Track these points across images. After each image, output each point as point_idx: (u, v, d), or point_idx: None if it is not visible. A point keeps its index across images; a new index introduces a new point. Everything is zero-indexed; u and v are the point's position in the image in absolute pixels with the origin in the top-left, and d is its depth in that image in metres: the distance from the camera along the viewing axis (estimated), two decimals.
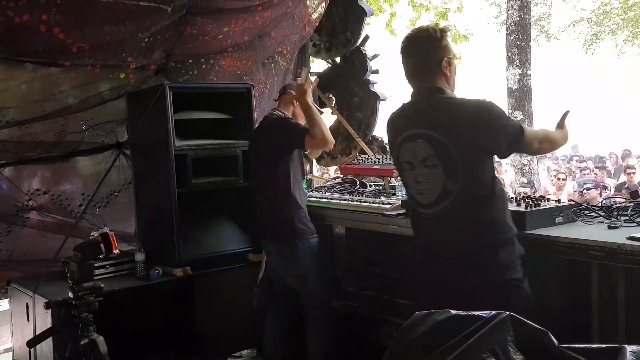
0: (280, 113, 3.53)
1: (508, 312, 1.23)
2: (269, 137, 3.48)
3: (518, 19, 9.46)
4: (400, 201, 3.33)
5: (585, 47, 20.64)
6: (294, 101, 3.52)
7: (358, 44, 5.71)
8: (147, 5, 3.42)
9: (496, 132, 2.39)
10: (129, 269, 3.71)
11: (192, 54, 4.07)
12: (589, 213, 2.96)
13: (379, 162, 4.04)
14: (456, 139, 2.36)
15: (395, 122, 2.62)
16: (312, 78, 3.79)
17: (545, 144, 2.65)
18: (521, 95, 9.53)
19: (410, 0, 12.21)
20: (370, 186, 4.13)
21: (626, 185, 8.98)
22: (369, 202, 3.59)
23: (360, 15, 5.53)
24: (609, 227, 2.67)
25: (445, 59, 2.47)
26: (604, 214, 2.90)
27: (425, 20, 13.07)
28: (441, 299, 1.66)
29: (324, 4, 4.79)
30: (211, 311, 3.77)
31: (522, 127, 2.47)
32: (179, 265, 3.68)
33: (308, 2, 4.60)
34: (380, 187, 4.13)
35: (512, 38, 9.57)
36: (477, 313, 1.25)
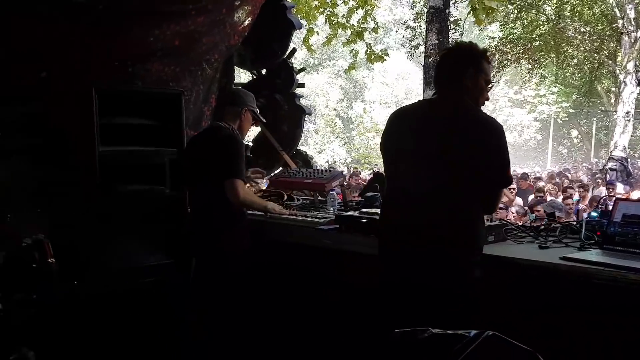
0: (226, 125, 3.37)
1: (492, 332, 1.20)
2: (208, 150, 3.30)
3: (436, 42, 9.78)
4: (334, 216, 3.28)
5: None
6: (242, 115, 3.42)
7: (285, 57, 5.68)
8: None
9: None
10: None
11: (119, 57, 3.87)
12: (518, 232, 3.04)
13: (310, 175, 4.00)
14: None
15: None
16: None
17: None
18: None
19: (328, 18, 12.29)
20: (298, 200, 4.08)
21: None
22: (302, 216, 3.48)
23: (288, 28, 5.48)
24: (540, 247, 2.73)
25: None
26: (532, 234, 2.98)
27: (343, 38, 13.22)
28: None
29: (252, 16, 4.71)
30: None
31: None
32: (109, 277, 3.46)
33: (238, 12, 4.51)
34: (308, 202, 4.08)
35: (430, 60, 9.87)
36: (459, 332, 1.21)
